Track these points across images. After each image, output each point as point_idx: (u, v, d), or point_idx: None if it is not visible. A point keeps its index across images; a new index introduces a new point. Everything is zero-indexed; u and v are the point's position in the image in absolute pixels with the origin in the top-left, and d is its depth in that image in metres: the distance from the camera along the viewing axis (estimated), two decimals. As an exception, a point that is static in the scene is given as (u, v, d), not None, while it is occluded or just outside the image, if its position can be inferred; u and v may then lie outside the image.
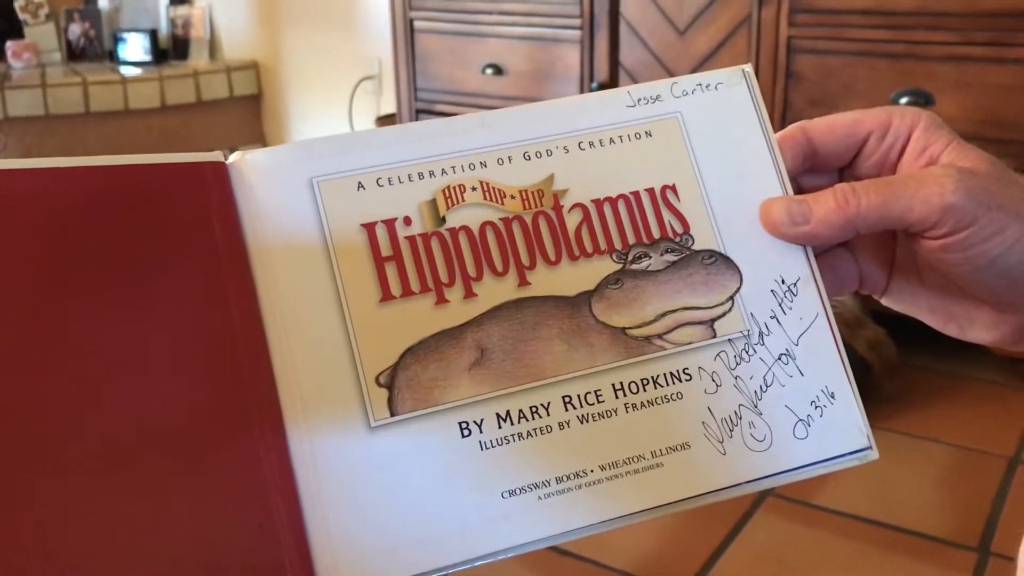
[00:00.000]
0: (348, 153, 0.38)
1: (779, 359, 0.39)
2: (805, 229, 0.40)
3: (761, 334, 0.39)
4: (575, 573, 1.24)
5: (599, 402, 0.37)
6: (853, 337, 1.60)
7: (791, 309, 0.40)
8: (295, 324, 0.36)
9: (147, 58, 3.23)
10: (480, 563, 0.35)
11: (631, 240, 0.40)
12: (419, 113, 2.30)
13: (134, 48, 3.27)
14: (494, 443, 0.36)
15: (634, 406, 0.38)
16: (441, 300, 0.37)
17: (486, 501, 0.36)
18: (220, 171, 0.37)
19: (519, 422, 0.37)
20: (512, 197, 0.39)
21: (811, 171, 0.43)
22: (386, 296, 0.37)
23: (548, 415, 0.37)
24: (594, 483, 0.37)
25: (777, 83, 1.77)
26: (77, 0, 3.46)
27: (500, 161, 0.39)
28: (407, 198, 0.38)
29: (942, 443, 1.53)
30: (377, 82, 2.82)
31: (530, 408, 0.37)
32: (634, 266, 0.39)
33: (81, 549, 0.31)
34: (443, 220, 0.38)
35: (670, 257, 0.40)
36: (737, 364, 0.39)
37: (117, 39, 3.31)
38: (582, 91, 2.02)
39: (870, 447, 0.39)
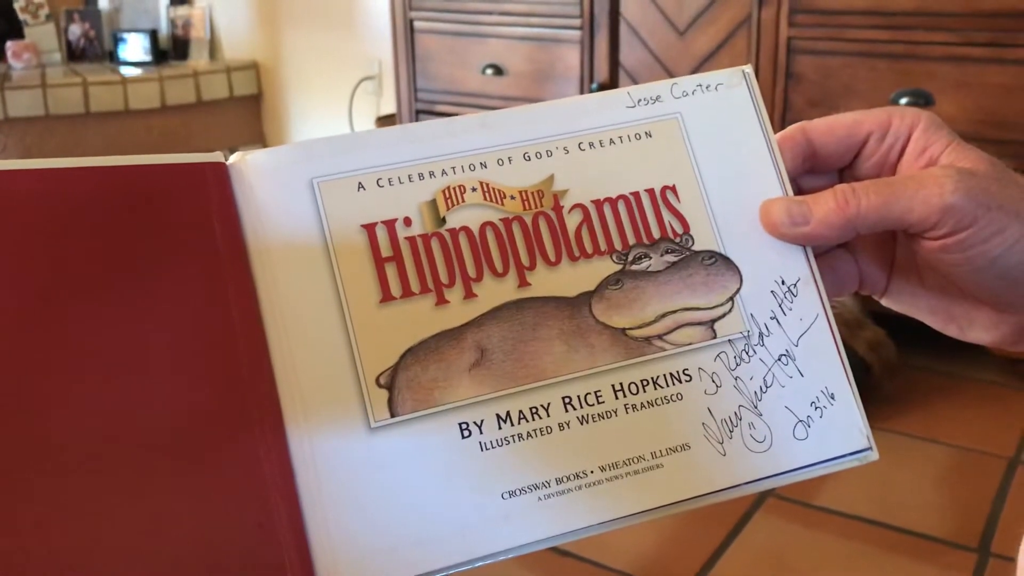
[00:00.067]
0: (348, 154, 0.38)
1: (779, 360, 0.39)
2: (805, 230, 0.40)
3: (761, 335, 0.39)
4: (575, 574, 1.24)
5: (599, 403, 0.37)
6: (853, 338, 1.60)
7: (791, 310, 0.40)
8: (295, 325, 0.36)
9: (147, 58, 3.23)
10: (480, 564, 0.35)
11: (631, 241, 0.40)
12: (419, 113, 2.30)
13: (134, 48, 3.27)
14: (494, 444, 0.36)
15: (634, 407, 0.38)
16: (441, 301, 0.37)
17: (486, 502, 0.36)
18: (220, 172, 0.37)
19: (519, 423, 0.37)
20: (512, 198, 0.39)
21: (811, 172, 0.43)
22: (386, 297, 0.37)
23: (548, 416, 0.37)
24: (594, 484, 0.37)
25: (777, 83, 1.77)
26: (77, 0, 3.46)
27: (500, 162, 0.39)
28: (407, 199, 0.38)
29: (942, 444, 1.53)
30: (377, 82, 2.82)
31: (530, 409, 0.37)
32: (634, 267, 0.39)
33: (81, 549, 0.31)
34: (443, 221, 0.38)
35: (670, 258, 0.40)
36: (737, 365, 0.39)
37: (117, 39, 3.31)
38: (582, 91, 2.02)
39: (870, 448, 0.39)
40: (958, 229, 0.38)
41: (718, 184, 0.41)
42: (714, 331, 0.39)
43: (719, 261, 0.40)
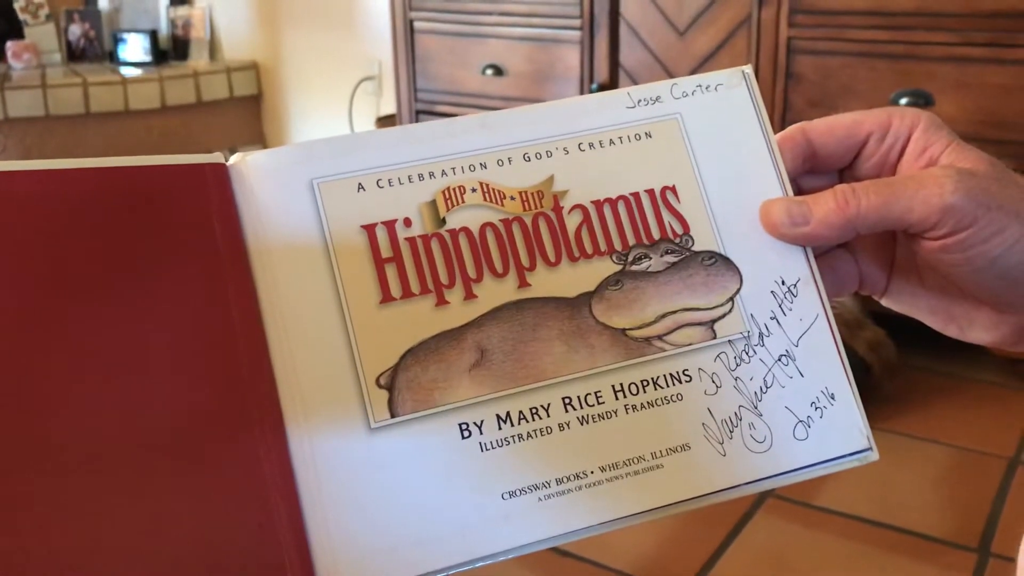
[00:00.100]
0: (348, 154, 0.38)
1: (779, 360, 0.39)
2: (805, 230, 0.40)
3: (761, 335, 0.39)
4: (575, 574, 1.24)
5: (599, 403, 0.37)
6: (853, 338, 1.60)
7: (791, 310, 0.40)
8: (295, 325, 0.36)
9: (147, 59, 3.23)
10: (480, 564, 0.35)
11: (631, 241, 0.40)
12: (419, 114, 2.30)
13: (134, 49, 3.27)
14: (494, 444, 0.36)
15: (634, 407, 0.38)
16: (441, 301, 0.37)
17: (486, 502, 0.36)
18: (221, 172, 0.37)
19: (519, 423, 0.37)
20: (512, 198, 0.39)
21: (811, 172, 0.43)
22: (386, 297, 0.37)
23: (548, 416, 0.37)
24: (594, 484, 0.37)
25: (777, 84, 1.77)
26: (77, 1, 3.46)
27: (500, 162, 0.39)
28: (407, 199, 0.38)
29: (942, 444, 1.53)
30: (377, 83, 2.82)
31: (530, 409, 0.37)
32: (634, 267, 0.39)
33: (81, 549, 0.31)
34: (443, 221, 0.38)
35: (670, 258, 0.40)
36: (737, 365, 0.39)
37: (117, 40, 3.31)
38: (582, 92, 2.02)
39: (870, 448, 0.39)
40: (958, 229, 0.38)
41: (718, 184, 0.41)
42: (714, 331, 0.39)
43: (719, 261, 0.40)
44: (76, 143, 2.90)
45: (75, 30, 3.37)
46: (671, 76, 1.88)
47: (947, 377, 1.74)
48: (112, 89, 2.96)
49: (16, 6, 3.30)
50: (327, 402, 0.35)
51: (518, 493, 0.36)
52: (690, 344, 0.39)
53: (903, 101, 1.64)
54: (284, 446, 0.34)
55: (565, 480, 0.36)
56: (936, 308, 0.43)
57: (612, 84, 1.99)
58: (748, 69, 0.43)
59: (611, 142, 0.41)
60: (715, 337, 0.39)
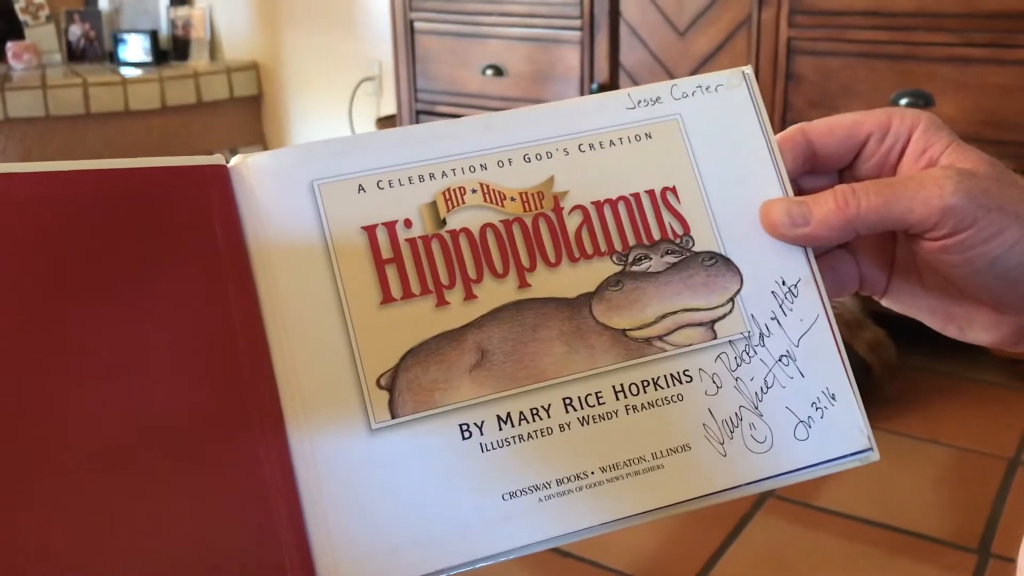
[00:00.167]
0: (349, 156, 0.38)
1: (780, 360, 0.39)
2: (805, 230, 0.40)
3: (762, 335, 0.39)
4: (576, 574, 1.24)
5: (599, 404, 0.37)
6: (853, 338, 1.60)
7: (791, 310, 0.40)
8: (296, 326, 0.36)
9: (147, 59, 3.23)
10: (481, 565, 0.35)
11: (631, 242, 0.40)
12: (419, 114, 2.30)
13: (134, 49, 3.27)
14: (495, 445, 0.36)
15: (635, 408, 0.38)
16: (442, 302, 0.37)
17: (487, 503, 0.36)
18: (221, 174, 0.37)
19: (520, 424, 0.37)
20: (512, 199, 0.39)
21: (811, 173, 0.43)
22: (387, 298, 0.37)
23: (549, 417, 0.37)
24: (595, 485, 0.37)
25: (777, 84, 1.77)
26: (77, 1, 3.46)
27: (500, 163, 0.39)
28: (407, 200, 0.38)
29: (942, 444, 1.53)
30: (377, 83, 2.82)
31: (531, 410, 0.37)
32: (634, 268, 0.39)
33: (81, 549, 0.31)
34: (443, 222, 0.38)
35: (670, 259, 0.40)
36: (738, 365, 0.39)
37: (117, 40, 3.31)
38: (582, 92, 2.02)
39: (871, 448, 0.39)
40: (958, 230, 0.38)
41: (718, 185, 0.41)
42: (714, 332, 0.39)
43: (719, 262, 0.40)
44: (76, 143, 2.90)
45: (75, 30, 3.37)
46: (671, 76, 1.88)
47: (947, 377, 1.74)
48: (112, 89, 2.96)
49: (16, 7, 3.30)
50: (328, 403, 0.35)
51: (518, 494, 0.36)
52: (690, 344, 0.39)
53: (903, 101, 1.64)
54: (284, 446, 0.34)
55: (566, 481, 0.36)
56: (936, 308, 0.43)
57: (612, 84, 1.99)
58: (748, 70, 0.43)
59: (611, 143, 0.41)
60: (715, 337, 0.39)
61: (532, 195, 0.39)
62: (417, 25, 2.25)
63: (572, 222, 0.39)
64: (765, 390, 0.39)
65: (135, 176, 0.35)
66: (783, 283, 0.40)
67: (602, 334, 0.38)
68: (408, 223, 0.38)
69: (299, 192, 0.37)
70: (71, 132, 2.92)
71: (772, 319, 0.40)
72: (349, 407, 0.35)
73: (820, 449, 0.39)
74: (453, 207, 0.38)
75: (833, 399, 0.39)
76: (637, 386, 0.38)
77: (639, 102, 0.41)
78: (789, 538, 1.30)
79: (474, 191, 0.39)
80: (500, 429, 0.36)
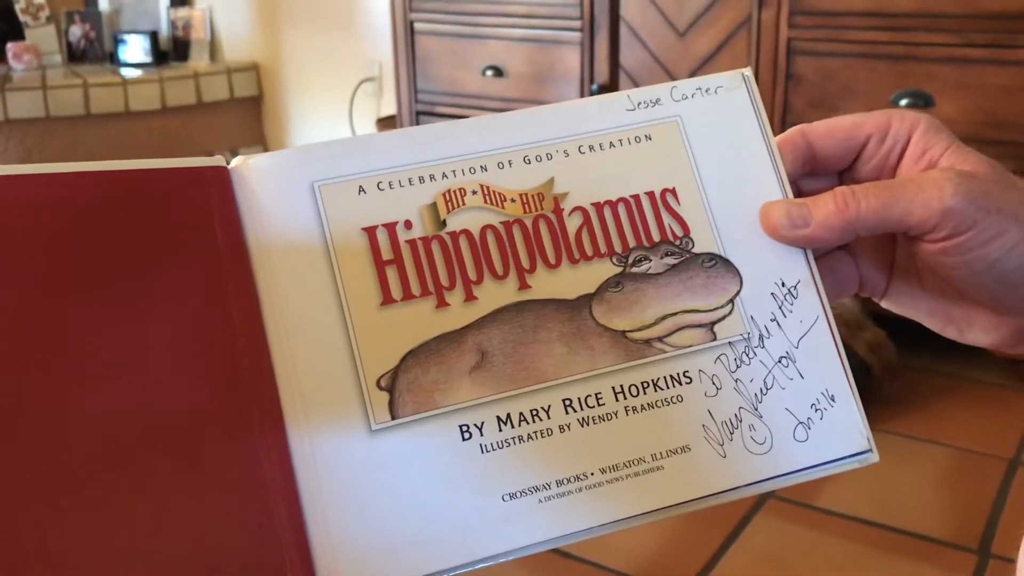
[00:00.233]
0: (349, 157, 0.38)
1: (779, 362, 0.39)
2: (805, 232, 0.40)
3: (761, 337, 0.40)
4: (575, 575, 1.24)
5: (599, 405, 0.38)
6: (853, 339, 1.60)
7: (791, 312, 0.40)
8: (296, 326, 0.36)
9: (147, 60, 3.23)
10: (480, 566, 0.35)
11: (631, 243, 0.40)
12: (420, 115, 2.31)
13: (134, 50, 3.27)
14: (495, 446, 0.36)
15: (634, 409, 0.38)
16: (442, 303, 0.37)
17: (487, 503, 0.36)
18: (222, 175, 0.37)
19: (519, 425, 0.37)
20: (512, 201, 0.39)
21: (811, 174, 0.43)
22: (387, 299, 0.37)
23: (548, 418, 0.37)
24: (595, 486, 0.37)
25: (777, 85, 1.77)
26: (78, 2, 3.46)
27: (500, 165, 0.39)
28: (408, 202, 0.38)
29: (942, 445, 1.53)
30: (378, 84, 2.82)
31: (530, 411, 0.37)
32: (634, 269, 0.39)
33: (81, 549, 0.31)
34: (444, 224, 0.38)
35: (670, 260, 0.40)
36: (737, 367, 0.39)
37: (117, 41, 3.31)
38: (582, 93, 2.02)
39: (870, 450, 0.40)
40: (957, 232, 0.38)
41: (718, 187, 0.41)
42: (714, 333, 0.39)
43: (719, 263, 0.40)
44: (76, 144, 2.90)
45: (75, 31, 3.37)
46: (671, 77, 1.88)
47: (947, 378, 1.74)
48: (112, 90, 2.96)
49: (17, 7, 3.30)
50: (328, 403, 0.35)
51: (518, 495, 0.36)
52: (690, 346, 0.39)
53: (903, 102, 1.64)
54: (284, 446, 0.34)
55: (565, 482, 0.36)
56: (935, 310, 0.43)
57: (612, 85, 1.99)
58: (748, 72, 0.43)
59: (611, 144, 0.41)
60: (715, 339, 0.39)
61: (532, 196, 0.39)
62: (417, 26, 2.25)
63: (572, 223, 0.39)
64: (765, 391, 0.39)
65: (135, 178, 0.35)
66: (783, 285, 0.40)
67: (602, 335, 0.38)
68: (408, 224, 0.38)
69: (300, 193, 0.37)
70: (71, 133, 2.92)
71: (772, 320, 0.40)
72: (349, 408, 0.36)
73: (819, 450, 0.39)
74: (453, 208, 0.38)
75: (832, 400, 0.40)
76: (637, 387, 0.38)
77: (639, 104, 0.41)
78: (789, 539, 1.30)
79: (474, 192, 0.39)
80: (500, 430, 0.36)
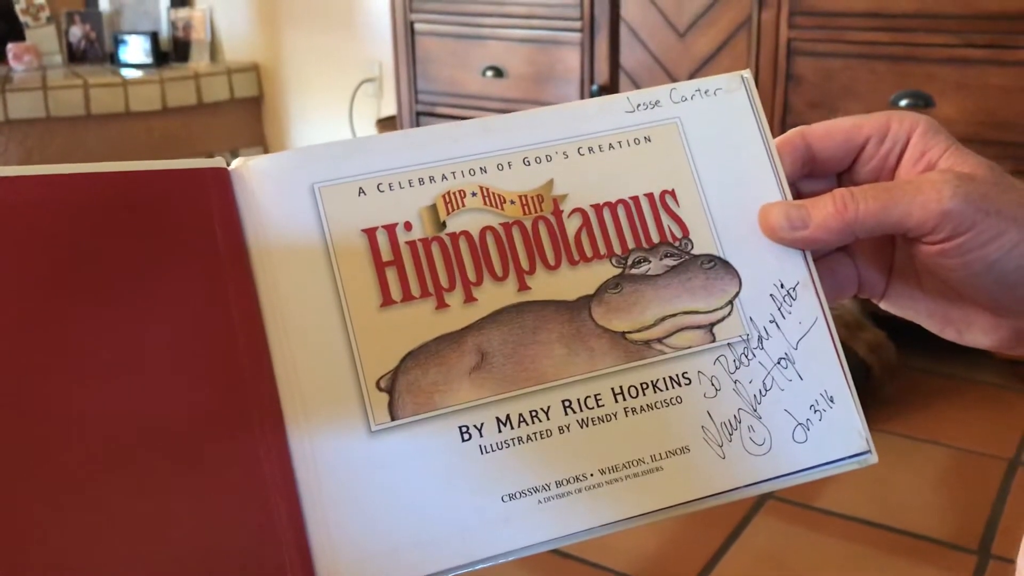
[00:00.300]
0: (349, 159, 0.38)
1: (778, 363, 0.40)
2: (804, 234, 0.40)
3: (760, 338, 0.40)
4: (575, 575, 1.24)
5: (599, 406, 0.38)
6: (853, 339, 1.60)
7: (790, 313, 0.40)
8: (296, 327, 0.36)
9: (148, 60, 3.23)
10: (480, 566, 0.36)
11: (630, 245, 0.40)
12: (420, 115, 2.31)
13: (135, 50, 3.27)
14: (494, 447, 0.36)
15: (634, 410, 0.38)
16: (441, 305, 0.37)
17: (486, 504, 0.36)
18: (222, 177, 0.37)
19: (519, 426, 0.37)
20: (512, 202, 0.39)
21: (810, 176, 0.43)
22: (387, 301, 0.37)
23: (548, 419, 0.37)
24: (594, 487, 0.37)
25: (777, 85, 1.77)
26: (78, 2, 3.46)
27: (500, 167, 0.39)
28: (408, 203, 0.38)
29: (942, 445, 1.53)
30: (378, 84, 2.82)
31: (530, 412, 0.37)
32: (633, 271, 0.39)
33: (81, 549, 0.31)
34: (443, 225, 0.38)
35: (669, 262, 0.40)
36: (736, 368, 0.39)
37: (118, 41, 3.31)
38: (582, 93, 2.02)
39: (869, 451, 0.40)
40: (956, 234, 0.38)
41: (717, 188, 0.41)
42: (713, 335, 0.39)
43: (718, 265, 0.40)
44: (77, 145, 2.90)
45: (76, 32, 3.37)
46: (671, 77, 1.88)
47: (947, 378, 1.74)
48: (113, 91, 2.96)
49: (17, 8, 3.30)
50: (328, 404, 0.35)
51: (518, 495, 0.36)
52: (689, 347, 0.39)
53: (903, 103, 1.64)
54: (284, 447, 0.35)
55: (565, 483, 0.37)
56: (934, 311, 0.43)
57: (612, 85, 1.99)
58: (747, 73, 0.43)
59: (611, 146, 0.41)
60: (714, 340, 0.39)
61: (532, 198, 0.39)
62: (417, 26, 2.25)
63: (571, 225, 0.39)
64: (764, 392, 0.39)
65: (136, 179, 0.35)
66: (781, 286, 0.40)
67: (601, 336, 0.38)
68: (408, 226, 0.38)
69: (300, 195, 0.37)
70: (72, 133, 2.92)
71: (771, 322, 0.40)
72: (349, 409, 0.36)
73: (818, 451, 0.39)
74: (453, 210, 0.38)
75: (831, 402, 0.40)
76: (636, 388, 0.38)
77: (638, 106, 0.42)
78: (789, 539, 1.30)
79: (474, 194, 0.39)
80: (500, 431, 0.36)
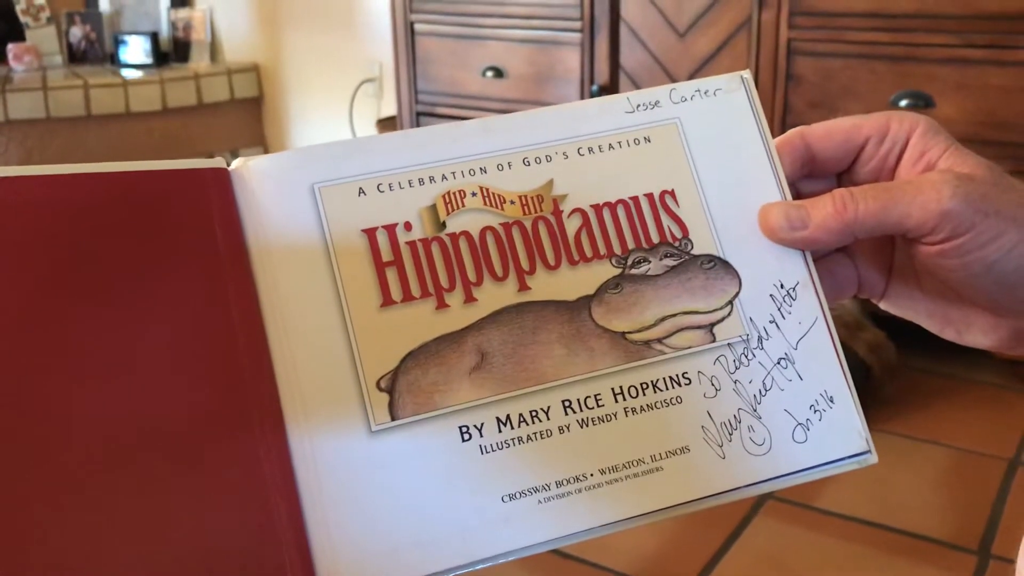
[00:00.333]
0: (349, 159, 0.38)
1: (778, 363, 0.40)
2: (803, 234, 0.40)
3: (760, 338, 0.40)
4: (575, 575, 1.24)
5: (599, 406, 0.38)
6: (853, 339, 1.60)
7: (790, 313, 0.40)
8: (296, 327, 0.36)
9: (148, 61, 3.23)
10: (480, 566, 0.36)
11: (630, 245, 0.40)
12: (420, 116, 2.31)
13: (135, 51, 3.27)
14: (494, 447, 0.36)
15: (634, 410, 0.38)
16: (442, 305, 0.37)
17: (486, 504, 0.36)
18: (222, 177, 0.37)
19: (519, 426, 0.37)
20: (512, 202, 0.39)
21: (810, 176, 0.43)
22: (387, 301, 0.37)
23: (548, 419, 0.37)
24: (594, 487, 0.37)
25: (777, 86, 1.77)
26: (78, 3, 3.46)
27: (500, 167, 0.39)
28: (408, 204, 0.38)
29: (942, 445, 1.53)
30: (378, 85, 2.82)
31: (530, 412, 0.37)
32: (633, 271, 0.39)
33: (81, 549, 0.31)
34: (443, 225, 0.38)
35: (669, 262, 0.40)
36: (736, 368, 0.39)
37: (118, 42, 3.31)
38: (582, 93, 2.02)
39: (869, 451, 0.40)
40: (955, 234, 0.38)
41: (717, 189, 0.41)
42: (713, 335, 0.39)
43: (718, 265, 0.40)
44: (77, 145, 2.90)
45: (76, 32, 3.37)
46: (671, 78, 1.88)
47: (947, 378, 1.74)
48: (113, 91, 2.96)
49: (17, 8, 3.30)
50: (328, 404, 0.35)
51: (518, 496, 0.36)
52: (689, 347, 0.39)
53: (903, 103, 1.64)
54: (285, 447, 0.35)
55: (565, 483, 0.37)
56: (934, 312, 0.43)
57: (612, 86, 1.99)
58: (747, 74, 0.43)
59: (610, 146, 0.41)
60: (714, 340, 0.39)
61: (532, 198, 0.39)
62: (417, 27, 2.25)
63: (571, 225, 0.39)
64: (763, 392, 0.39)
65: (136, 179, 0.35)
66: (781, 286, 0.40)
67: (601, 337, 0.38)
68: (408, 226, 0.38)
69: (300, 195, 0.37)
70: (72, 134, 2.92)
71: (770, 322, 0.40)
72: (349, 409, 0.36)
73: (818, 451, 0.39)
74: (453, 210, 0.39)
75: (831, 402, 0.40)
76: (636, 388, 0.38)
77: (638, 106, 0.42)
78: (789, 539, 1.30)
79: (474, 194, 0.39)
80: (500, 431, 0.37)
